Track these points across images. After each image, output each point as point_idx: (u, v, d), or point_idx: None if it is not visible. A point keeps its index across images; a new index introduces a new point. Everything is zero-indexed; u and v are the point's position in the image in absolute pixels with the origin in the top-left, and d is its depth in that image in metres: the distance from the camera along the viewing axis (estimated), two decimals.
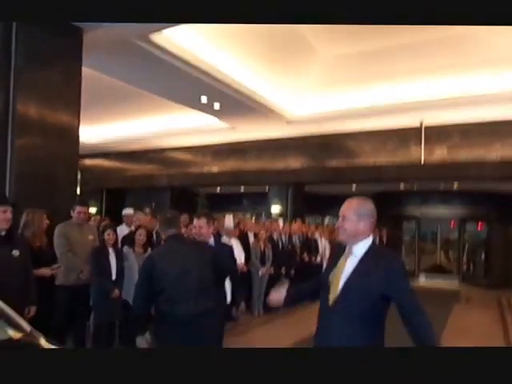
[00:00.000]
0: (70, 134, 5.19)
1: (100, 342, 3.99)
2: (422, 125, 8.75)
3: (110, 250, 4.05)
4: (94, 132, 11.54)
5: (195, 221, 3.06)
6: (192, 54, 6.22)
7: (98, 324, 4.01)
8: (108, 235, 4.05)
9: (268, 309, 6.68)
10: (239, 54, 6.93)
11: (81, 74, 5.22)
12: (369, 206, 2.04)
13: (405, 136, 9.24)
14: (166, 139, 11.56)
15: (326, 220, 16.39)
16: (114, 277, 4.01)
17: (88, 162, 13.85)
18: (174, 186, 12.78)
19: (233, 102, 8.05)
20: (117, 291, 3.96)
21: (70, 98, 5.12)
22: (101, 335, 3.99)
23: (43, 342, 1.88)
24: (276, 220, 7.55)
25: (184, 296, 2.54)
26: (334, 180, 10.48)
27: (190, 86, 7.22)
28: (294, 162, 10.65)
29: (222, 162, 11.67)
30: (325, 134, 9.98)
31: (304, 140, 10.35)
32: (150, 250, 4.48)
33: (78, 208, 4.23)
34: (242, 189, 13.58)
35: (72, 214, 4.22)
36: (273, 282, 6.69)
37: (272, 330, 6.05)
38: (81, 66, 5.23)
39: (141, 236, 4.44)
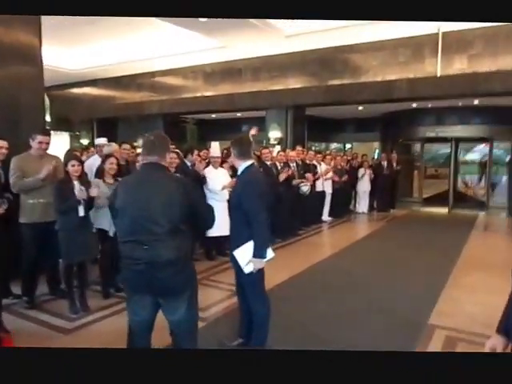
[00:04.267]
0: (32, 55, 4.65)
1: (70, 283, 3.60)
2: (439, 31, 7.59)
3: (76, 184, 3.46)
4: (77, 57, 10.50)
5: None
6: None
7: (68, 265, 3.55)
8: (72, 166, 3.45)
9: None
10: None
11: None
12: None
13: (418, 45, 8.09)
14: (154, 62, 10.53)
15: (332, 147, 15.53)
16: (81, 213, 3.46)
17: (75, 90, 12.96)
18: (166, 114, 11.90)
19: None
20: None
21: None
22: (71, 276, 3.58)
23: None
24: (266, 147, 6.77)
25: (138, 236, 2.07)
26: (338, 101, 9.48)
27: None
28: (293, 82, 9.63)
29: (215, 85, 10.67)
30: (326, 47, 8.85)
31: (303, 56, 9.23)
32: None
33: (38, 137, 3.62)
34: (238, 114, 12.64)
35: (31, 143, 3.64)
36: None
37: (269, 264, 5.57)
38: None
39: (111, 165, 3.86)
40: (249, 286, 2.78)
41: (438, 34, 7.67)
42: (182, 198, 2.10)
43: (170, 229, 2.06)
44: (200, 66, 10.67)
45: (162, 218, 2.05)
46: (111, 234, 3.76)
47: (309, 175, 7.44)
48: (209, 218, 2.31)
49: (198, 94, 10.95)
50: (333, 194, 8.70)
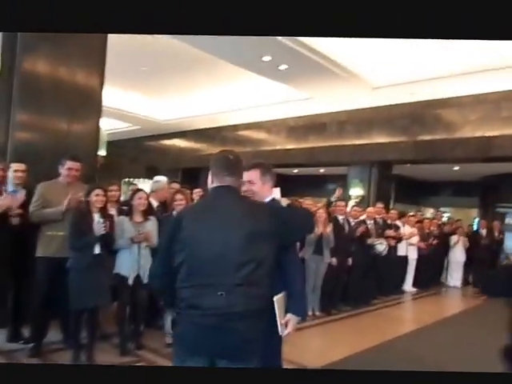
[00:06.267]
0: (91, 96, 4.40)
1: (77, 333, 3.11)
2: None
3: (96, 216, 3.13)
4: (167, 108, 11.17)
5: (244, 174, 1.92)
6: None
7: (77, 310, 3.08)
8: (96, 196, 3.13)
9: (325, 308, 5.41)
10: None
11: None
12: None
13: None
14: (238, 114, 10.75)
15: (429, 214, 14.08)
16: (96, 250, 3.07)
17: (165, 141, 13.72)
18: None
19: (306, 64, 6.82)
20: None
21: (92, 51, 4.39)
22: (79, 325, 3.11)
23: None
24: (342, 199, 6.12)
25: (212, 279, 1.58)
26: (429, 158, 8.59)
27: (253, 44, 6.17)
28: (380, 137, 9.00)
29: (297, 138, 10.47)
30: (418, 101, 8.19)
31: (391, 109, 8.64)
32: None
33: (67, 163, 3.35)
34: (321, 170, 12.20)
35: (60, 169, 3.38)
36: (333, 274, 5.39)
37: (329, 335, 4.76)
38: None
39: (140, 200, 3.44)
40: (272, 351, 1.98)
41: None
42: (270, 225, 1.67)
43: (255, 269, 1.60)
44: (283, 119, 10.62)
45: (246, 255, 1.61)
46: (131, 281, 3.30)
47: (389, 231, 6.58)
48: (307, 223, 2.04)
49: (279, 147, 10.81)
50: (419, 261, 7.59)
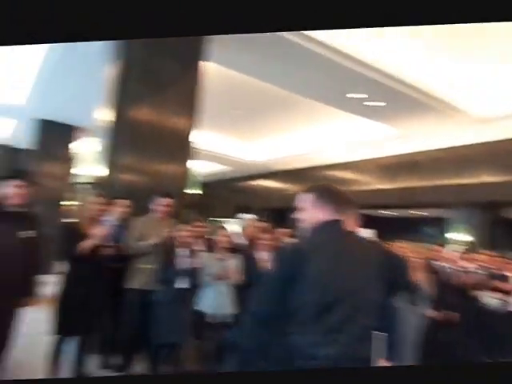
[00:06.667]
0: (185, 139, 4.67)
1: (156, 367, 3.15)
2: None
3: (181, 250, 3.23)
4: (258, 149, 11.52)
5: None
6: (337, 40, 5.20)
7: (157, 344, 3.15)
8: (183, 231, 3.26)
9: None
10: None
11: (200, 68, 4.78)
12: None
13: None
14: (328, 153, 10.65)
15: None
16: (177, 284, 3.14)
17: (256, 181, 14.07)
18: None
19: (399, 99, 6.58)
20: None
21: (187, 96, 4.71)
22: (158, 359, 3.16)
23: None
24: (441, 244, 5.55)
25: (339, 325, 1.43)
26: None
27: (340, 79, 6.13)
28: (486, 176, 8.19)
29: (390, 178, 10.00)
30: None
31: (498, 145, 7.86)
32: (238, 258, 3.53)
33: (160, 199, 3.56)
34: (416, 212, 11.40)
35: (152, 206, 3.60)
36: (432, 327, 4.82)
37: None
38: (202, 59, 4.79)
39: (223, 237, 3.51)
40: None
41: None
42: (383, 266, 1.57)
43: (371, 312, 1.51)
44: (375, 158, 10.27)
45: (369, 296, 1.50)
46: (212, 319, 3.28)
47: (498, 283, 5.77)
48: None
49: (371, 187, 10.41)
50: None
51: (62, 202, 9.74)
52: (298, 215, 1.70)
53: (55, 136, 9.91)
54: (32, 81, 7.68)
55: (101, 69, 4.84)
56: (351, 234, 1.64)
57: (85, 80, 6.61)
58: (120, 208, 3.68)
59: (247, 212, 14.21)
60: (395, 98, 6.63)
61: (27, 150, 11.73)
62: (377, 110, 7.20)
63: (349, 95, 6.64)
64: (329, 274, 1.46)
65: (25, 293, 2.71)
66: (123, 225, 3.56)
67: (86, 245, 2.98)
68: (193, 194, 7.35)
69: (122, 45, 4.45)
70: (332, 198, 1.64)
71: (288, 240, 4.71)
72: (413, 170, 9.48)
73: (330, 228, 1.60)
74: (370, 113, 7.41)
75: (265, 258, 3.62)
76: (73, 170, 10.37)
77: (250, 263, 3.50)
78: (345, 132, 9.19)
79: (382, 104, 6.86)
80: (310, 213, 1.67)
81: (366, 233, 4.82)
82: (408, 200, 9.62)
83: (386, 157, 9.94)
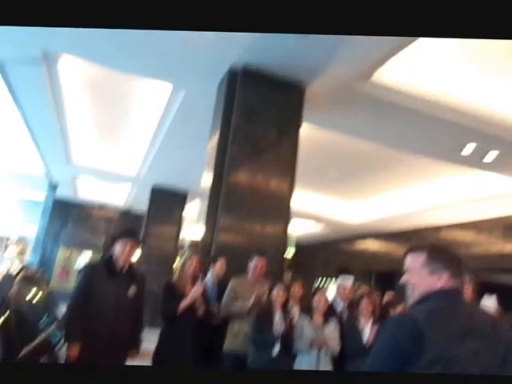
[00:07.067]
0: (282, 200, 4.73)
1: None
2: None
3: (277, 314, 3.10)
4: (359, 210, 11.18)
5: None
6: (433, 90, 5.00)
7: None
8: (278, 293, 3.18)
9: None
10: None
11: (298, 133, 4.92)
12: None
13: None
14: (439, 212, 9.85)
15: None
16: (274, 352, 2.97)
17: (358, 243, 13.50)
18: None
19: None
20: None
21: (284, 160, 4.82)
22: None
23: None
24: None
25: None
26: None
27: (452, 134, 5.76)
28: None
29: None
30: None
31: None
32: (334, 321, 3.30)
33: (255, 259, 3.58)
34: None
35: (249, 266, 3.61)
36: None
37: None
38: (299, 125, 4.95)
39: (321, 302, 3.30)
40: None
41: None
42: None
43: None
44: (497, 216, 9.19)
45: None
46: None
47: None
48: None
49: (494, 250, 9.25)
50: None
51: (172, 262, 10.43)
52: (406, 279, 1.51)
53: (165, 200, 10.87)
54: (144, 153, 8.68)
55: (205, 137, 5.25)
56: (472, 304, 1.42)
57: (191, 149, 7.24)
58: (218, 268, 3.76)
59: (348, 274, 13.61)
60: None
61: (140, 214, 13.00)
62: (494, 162, 6.53)
63: (466, 148, 6.17)
64: (452, 351, 1.26)
65: (131, 346, 2.84)
66: (220, 285, 3.61)
67: (183, 304, 3.06)
68: (292, 255, 7.28)
69: (225, 114, 4.80)
70: (448, 260, 1.45)
71: (394, 307, 4.32)
72: None
73: (448, 297, 1.40)
74: (486, 165, 6.75)
75: (367, 325, 3.34)
76: (179, 232, 11.11)
77: (349, 330, 3.25)
78: (457, 188, 8.49)
79: (496, 153, 6.22)
80: (422, 276, 1.46)
81: (489, 301, 4.22)
82: None
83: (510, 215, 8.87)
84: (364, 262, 12.98)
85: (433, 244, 1.53)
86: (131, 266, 2.89)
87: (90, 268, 3.03)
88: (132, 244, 2.84)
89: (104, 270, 2.81)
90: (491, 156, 6.31)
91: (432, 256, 1.46)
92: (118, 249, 2.85)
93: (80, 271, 3.01)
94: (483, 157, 6.37)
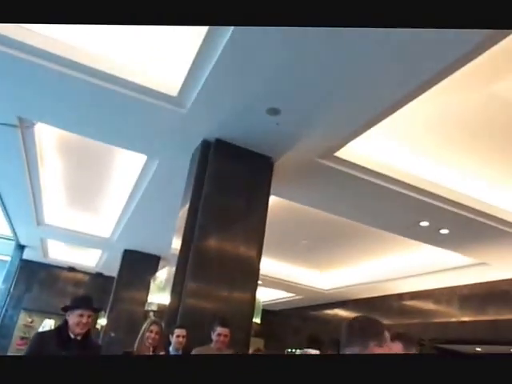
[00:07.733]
0: (250, 267, 4.88)
1: None
2: None
3: None
4: (330, 278, 11.37)
5: None
6: (394, 167, 5.42)
7: None
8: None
9: None
10: (459, 157, 5.49)
11: (267, 204, 5.18)
12: None
13: None
14: (403, 282, 10.14)
15: None
16: None
17: (327, 311, 13.48)
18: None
19: (471, 227, 6.38)
20: None
21: (253, 229, 5.03)
22: None
23: None
24: None
25: None
26: None
27: (408, 210, 6.16)
28: None
29: (475, 309, 9.10)
30: None
31: None
32: None
33: (217, 329, 3.69)
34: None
35: (212, 335, 3.68)
36: None
37: None
38: (267, 196, 5.22)
39: None
40: None
41: None
42: None
43: None
44: (454, 286, 9.54)
45: None
46: None
47: None
48: None
49: (453, 319, 9.47)
50: None
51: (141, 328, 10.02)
52: None
53: (136, 264, 10.75)
54: (117, 217, 8.74)
55: (178, 204, 5.44)
56: None
57: (165, 215, 7.35)
58: (177, 337, 3.80)
59: (319, 343, 13.38)
60: (466, 227, 6.39)
61: (111, 277, 12.67)
62: (447, 238, 6.97)
63: (421, 224, 6.58)
64: None
65: None
66: (180, 355, 3.63)
67: None
68: (259, 323, 7.25)
69: (196, 183, 5.04)
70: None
71: None
72: (498, 300, 8.62)
73: None
74: (440, 241, 7.19)
75: None
76: (147, 297, 10.87)
77: None
78: (420, 260, 8.89)
79: (447, 232, 6.67)
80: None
81: None
82: (497, 335, 8.54)
83: (467, 285, 9.22)
84: (333, 329, 12.87)
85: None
86: (87, 334, 2.87)
87: (39, 335, 3.02)
88: (88, 313, 2.84)
89: (55, 338, 2.78)
90: (443, 233, 6.77)
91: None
92: (72, 317, 2.81)
93: (31, 339, 2.98)
94: (436, 234, 6.83)
